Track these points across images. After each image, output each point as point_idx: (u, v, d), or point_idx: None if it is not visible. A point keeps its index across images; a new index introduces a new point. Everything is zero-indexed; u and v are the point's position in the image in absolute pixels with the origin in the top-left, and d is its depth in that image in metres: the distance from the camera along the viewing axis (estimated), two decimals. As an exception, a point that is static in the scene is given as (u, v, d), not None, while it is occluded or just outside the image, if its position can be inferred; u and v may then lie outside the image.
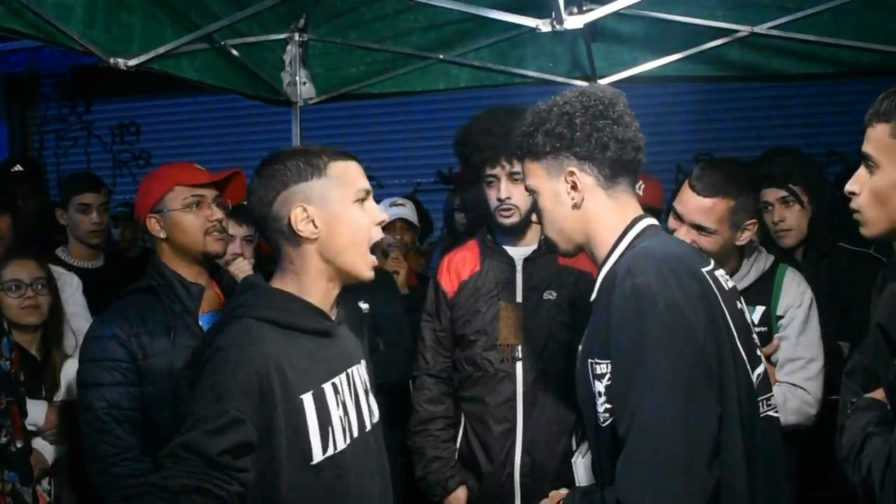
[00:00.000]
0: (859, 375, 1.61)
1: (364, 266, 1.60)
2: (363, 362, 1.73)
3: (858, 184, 1.46)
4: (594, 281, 2.41)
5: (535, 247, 2.40)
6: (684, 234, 2.10)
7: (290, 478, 1.50)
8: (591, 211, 1.53)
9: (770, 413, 1.56)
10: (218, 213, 2.12)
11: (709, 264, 1.52)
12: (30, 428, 2.38)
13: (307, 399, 1.52)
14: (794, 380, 2.17)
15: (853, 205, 1.48)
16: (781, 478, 1.53)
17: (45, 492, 2.47)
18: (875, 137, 1.41)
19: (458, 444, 2.43)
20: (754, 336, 1.57)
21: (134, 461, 1.99)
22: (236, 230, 2.92)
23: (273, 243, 1.61)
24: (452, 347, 2.47)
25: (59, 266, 2.99)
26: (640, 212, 1.57)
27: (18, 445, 2.09)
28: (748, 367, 1.48)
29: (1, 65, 6.62)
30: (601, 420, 1.45)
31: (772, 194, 2.61)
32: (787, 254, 2.63)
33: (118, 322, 2.06)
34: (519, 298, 2.36)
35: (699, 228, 2.08)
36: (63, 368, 2.62)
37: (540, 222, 1.65)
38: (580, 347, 1.58)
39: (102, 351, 2.04)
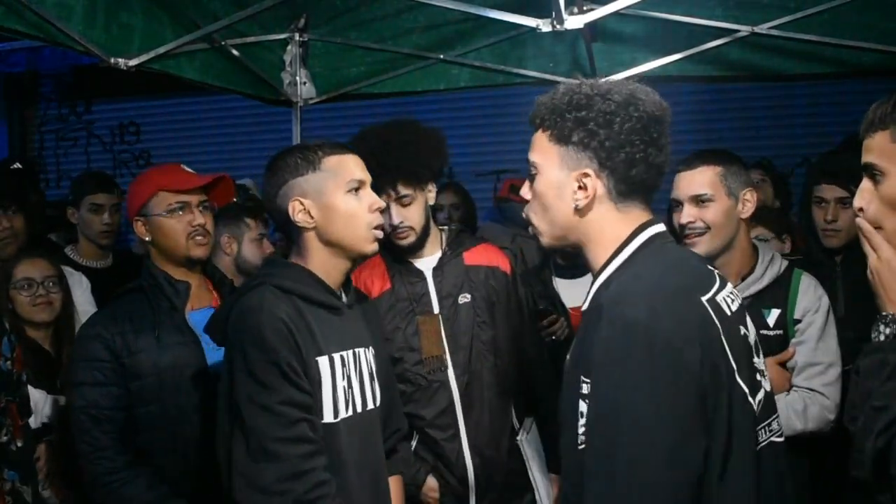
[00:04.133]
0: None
1: (364, 242, 1.77)
2: (372, 348, 1.86)
3: (865, 199, 1.39)
4: (504, 275, 2.46)
5: (439, 254, 2.40)
6: (686, 214, 2.13)
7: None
8: (593, 219, 1.41)
9: (773, 439, 1.44)
10: (200, 219, 2.13)
11: (710, 289, 1.38)
12: (44, 420, 2.39)
13: (322, 361, 1.69)
14: (813, 385, 2.13)
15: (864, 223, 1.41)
16: (791, 499, 1.45)
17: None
18: (876, 146, 1.36)
19: (413, 446, 2.40)
20: (755, 360, 1.44)
21: (108, 460, 2.02)
22: (257, 229, 3.03)
23: (285, 231, 1.82)
24: None
25: (67, 265, 3.01)
26: (648, 217, 1.44)
27: (18, 444, 2.10)
28: (749, 397, 1.36)
29: (1, 65, 6.61)
30: (578, 442, 1.34)
31: (830, 191, 2.52)
32: (828, 254, 2.54)
33: (103, 321, 2.10)
34: (436, 308, 2.36)
35: (698, 201, 2.12)
36: None
37: (529, 201, 1.51)
38: (568, 357, 1.48)
39: (86, 350, 2.08)
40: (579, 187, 1.40)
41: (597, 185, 1.39)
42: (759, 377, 1.43)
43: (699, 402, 1.26)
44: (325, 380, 1.68)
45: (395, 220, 2.29)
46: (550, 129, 1.42)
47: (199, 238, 2.13)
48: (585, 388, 1.33)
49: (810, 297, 2.20)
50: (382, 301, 2.37)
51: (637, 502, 1.23)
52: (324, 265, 1.76)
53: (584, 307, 1.46)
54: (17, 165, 3.84)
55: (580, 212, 1.41)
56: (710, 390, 1.27)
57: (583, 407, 1.33)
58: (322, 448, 1.64)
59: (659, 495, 1.23)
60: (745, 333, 1.42)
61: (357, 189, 1.75)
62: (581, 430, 1.33)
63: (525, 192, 1.50)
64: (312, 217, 1.73)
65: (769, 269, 2.23)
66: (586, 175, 1.39)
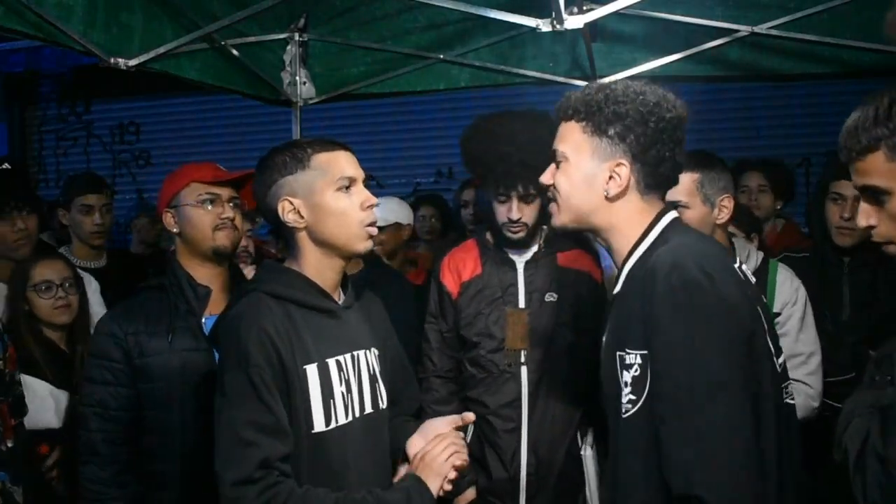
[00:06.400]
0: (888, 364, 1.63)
1: (356, 241, 1.70)
2: (374, 350, 1.80)
3: (874, 218, 1.40)
4: (593, 281, 2.45)
5: (535, 249, 2.40)
6: None
7: (294, 440, 1.58)
8: (620, 207, 1.51)
9: (787, 400, 1.56)
10: (230, 212, 2.14)
11: (735, 261, 1.53)
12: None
13: (311, 370, 1.63)
14: (797, 375, 2.17)
15: (878, 238, 1.42)
16: (800, 463, 1.54)
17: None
18: (873, 168, 1.35)
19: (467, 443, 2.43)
20: (775, 326, 1.60)
21: (97, 467, 2.02)
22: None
23: (278, 232, 1.77)
24: (458, 347, 2.47)
25: None
26: (664, 206, 1.56)
27: (9, 445, 2.08)
28: (774, 356, 1.50)
29: (1, 65, 6.62)
30: (623, 411, 1.44)
31: (849, 188, 2.43)
32: (837, 252, 2.52)
33: (119, 319, 2.09)
34: (521, 302, 2.37)
35: (671, 207, 2.09)
36: None
37: (546, 191, 1.60)
38: (604, 340, 1.58)
39: (99, 348, 2.08)
40: (610, 177, 1.49)
41: (629, 175, 1.49)
42: (779, 343, 1.56)
43: (749, 354, 1.38)
44: (313, 389, 1.62)
45: (514, 216, 2.30)
46: (585, 121, 1.52)
47: (226, 230, 2.12)
48: (628, 360, 1.42)
49: (787, 289, 2.24)
50: (471, 286, 2.40)
51: (735, 455, 1.31)
52: (317, 266, 1.71)
53: (617, 290, 1.54)
54: (6, 166, 3.81)
55: (610, 199, 1.51)
56: (752, 345, 1.39)
57: (626, 377, 1.43)
58: (262, 484, 1.52)
59: (740, 433, 1.32)
60: (764, 301, 1.58)
61: (348, 186, 1.69)
62: (625, 399, 1.43)
63: (547, 178, 1.59)
64: (302, 216, 1.68)
65: (745, 264, 2.23)
66: (621, 165, 1.49)
